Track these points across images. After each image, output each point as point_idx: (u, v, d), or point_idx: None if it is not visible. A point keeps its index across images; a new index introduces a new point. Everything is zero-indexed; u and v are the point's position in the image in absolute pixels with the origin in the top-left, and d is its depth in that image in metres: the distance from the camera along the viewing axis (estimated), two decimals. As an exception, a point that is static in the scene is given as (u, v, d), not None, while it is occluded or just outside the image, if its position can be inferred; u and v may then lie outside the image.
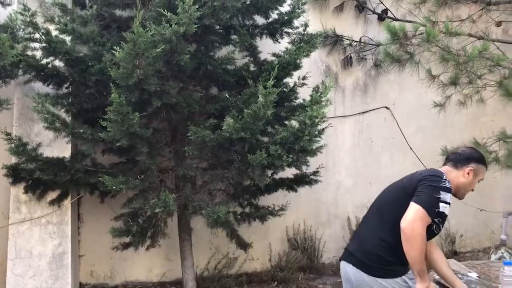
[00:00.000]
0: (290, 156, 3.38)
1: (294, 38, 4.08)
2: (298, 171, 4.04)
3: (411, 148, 5.61)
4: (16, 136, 3.80)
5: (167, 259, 4.97)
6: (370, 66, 5.55)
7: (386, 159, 5.75)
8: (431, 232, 2.38)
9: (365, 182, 5.63)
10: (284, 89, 4.01)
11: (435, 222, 2.36)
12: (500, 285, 3.01)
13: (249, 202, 4.15)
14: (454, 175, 2.53)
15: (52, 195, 3.94)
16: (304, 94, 4.20)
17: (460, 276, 3.47)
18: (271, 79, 3.16)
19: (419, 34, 4.22)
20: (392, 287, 2.40)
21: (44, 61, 3.70)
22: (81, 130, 3.52)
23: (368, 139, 5.68)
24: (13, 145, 3.73)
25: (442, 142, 5.32)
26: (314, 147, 3.50)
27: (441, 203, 2.34)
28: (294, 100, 4.23)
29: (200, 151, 3.53)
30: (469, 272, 3.60)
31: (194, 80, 3.81)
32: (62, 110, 3.76)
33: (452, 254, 5.63)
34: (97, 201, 4.38)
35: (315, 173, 4.29)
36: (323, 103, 3.33)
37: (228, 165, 3.69)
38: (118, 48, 3.09)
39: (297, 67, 3.82)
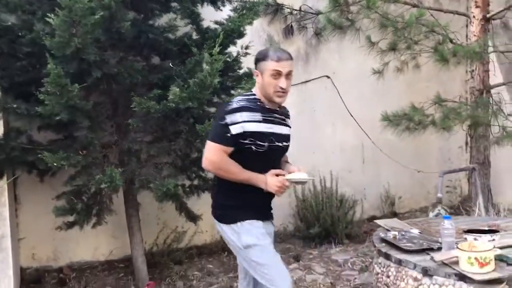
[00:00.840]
0: (239, 124, 3.35)
1: (236, 6, 4.01)
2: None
3: (351, 116, 5.76)
4: None
5: (113, 237, 4.84)
6: (310, 35, 5.59)
7: (329, 127, 5.88)
8: (256, 152, 2.38)
9: (308, 151, 5.73)
10: (228, 58, 3.95)
11: (249, 143, 2.35)
12: (440, 238, 3.19)
13: (197, 174, 4.10)
14: (256, 85, 2.49)
15: (-14, 176, 3.69)
16: (247, 64, 4.17)
17: (403, 233, 3.64)
18: (216, 46, 3.09)
19: (359, 1, 4.29)
20: (228, 233, 2.46)
21: (-33, 31, 3.41)
22: (15, 105, 3.29)
23: (311, 108, 5.76)
24: None
25: (381, 108, 5.50)
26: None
27: (231, 126, 2.32)
28: (238, 70, 4.19)
29: (145, 123, 3.43)
30: (411, 229, 3.78)
31: (134, 50, 3.67)
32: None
33: (392, 215, 5.91)
34: (34, 180, 4.16)
35: (261, 142, 4.29)
36: (270, 70, 3.30)
37: (175, 137, 3.61)
38: (52, 15, 2.89)
39: (241, 35, 3.77)
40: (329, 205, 5.05)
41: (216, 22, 3.94)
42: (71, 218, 3.86)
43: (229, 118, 2.34)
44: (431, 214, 4.76)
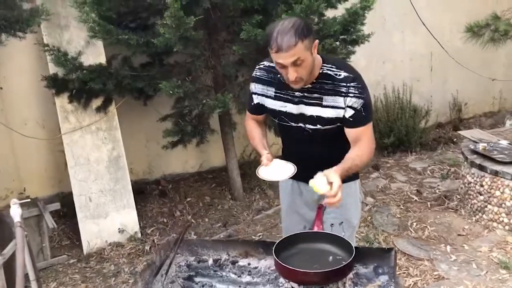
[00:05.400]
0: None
1: None
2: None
3: (423, 24, 5.70)
4: (53, 46, 3.71)
5: (200, 151, 5.21)
6: None
7: (398, 36, 5.87)
8: (283, 127, 2.21)
9: (378, 60, 5.81)
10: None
11: (274, 119, 2.24)
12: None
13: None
14: None
15: (97, 102, 3.98)
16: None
17: (492, 144, 3.85)
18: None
19: None
20: None
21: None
22: (126, 37, 3.47)
23: (381, 17, 5.71)
24: (53, 55, 3.68)
25: (451, 16, 5.47)
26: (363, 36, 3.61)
27: (253, 95, 2.24)
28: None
29: (247, 48, 3.57)
30: (499, 140, 3.98)
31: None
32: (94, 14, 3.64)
33: (459, 121, 6.07)
34: (129, 103, 4.42)
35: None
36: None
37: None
38: None
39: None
40: (402, 116, 5.22)
41: None
42: (174, 138, 4.18)
43: (251, 85, 2.24)
44: (508, 123, 4.92)
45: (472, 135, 4.10)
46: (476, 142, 3.90)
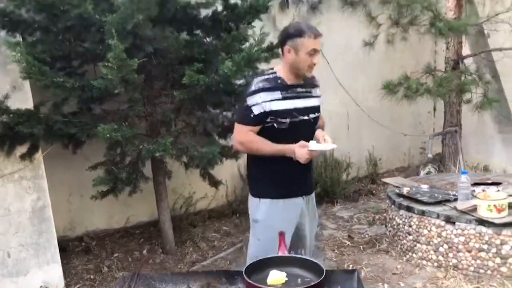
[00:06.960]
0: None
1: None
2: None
3: (341, 85, 6.17)
4: (-24, 89, 3.49)
5: (126, 205, 4.99)
6: (305, 8, 5.89)
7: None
8: (279, 129, 2.44)
9: (302, 118, 6.12)
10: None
11: (270, 121, 2.44)
12: (457, 190, 3.72)
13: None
14: (284, 61, 2.50)
15: (21, 149, 3.73)
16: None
17: (414, 188, 4.15)
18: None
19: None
20: (254, 206, 2.58)
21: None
22: (62, 79, 3.37)
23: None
24: (-25, 98, 3.44)
25: (363, 77, 6.06)
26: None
27: (253, 107, 2.42)
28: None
29: (188, 94, 3.62)
30: (419, 185, 4.30)
31: (173, 25, 3.79)
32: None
33: (376, 175, 6.47)
34: (52, 156, 4.18)
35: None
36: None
37: (216, 107, 3.86)
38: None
39: (267, 9, 3.98)
40: (327, 168, 5.49)
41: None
42: (106, 187, 4.00)
43: (249, 101, 2.43)
44: (422, 173, 5.35)
45: (396, 181, 4.40)
46: (400, 188, 4.18)
